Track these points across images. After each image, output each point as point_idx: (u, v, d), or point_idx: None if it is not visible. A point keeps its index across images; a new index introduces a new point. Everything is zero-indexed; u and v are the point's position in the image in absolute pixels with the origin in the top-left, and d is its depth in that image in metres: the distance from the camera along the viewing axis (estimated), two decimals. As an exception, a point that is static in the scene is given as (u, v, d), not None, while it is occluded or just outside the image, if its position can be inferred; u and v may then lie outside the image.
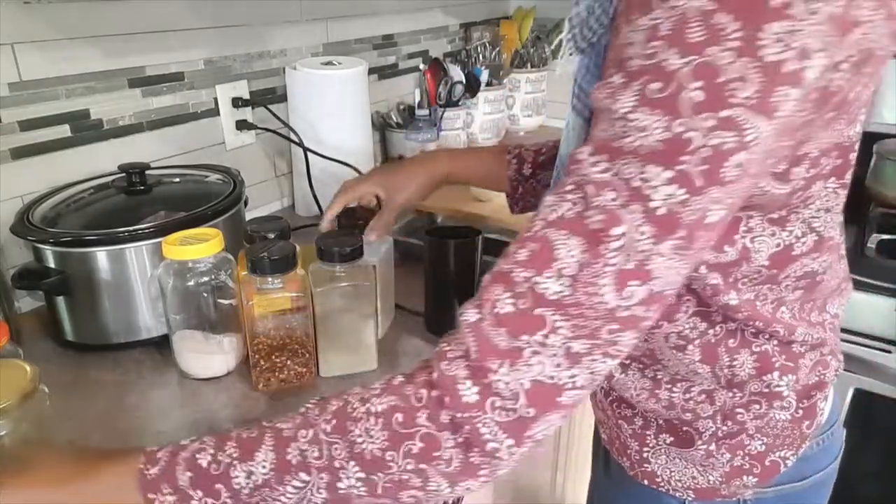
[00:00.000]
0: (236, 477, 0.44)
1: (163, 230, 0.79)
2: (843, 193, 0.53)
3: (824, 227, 0.54)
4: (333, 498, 0.44)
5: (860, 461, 1.43)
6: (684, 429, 0.63)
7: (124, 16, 0.99)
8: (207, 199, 0.88)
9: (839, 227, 0.56)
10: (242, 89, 1.21)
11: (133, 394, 0.77)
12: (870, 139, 1.46)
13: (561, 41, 1.86)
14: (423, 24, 1.66)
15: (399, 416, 0.42)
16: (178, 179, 0.98)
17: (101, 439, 0.70)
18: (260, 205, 1.31)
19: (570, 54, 0.59)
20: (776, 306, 0.56)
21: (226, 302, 0.78)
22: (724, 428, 0.61)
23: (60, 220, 0.85)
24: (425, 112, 1.51)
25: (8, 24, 0.86)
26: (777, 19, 0.35)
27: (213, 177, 0.99)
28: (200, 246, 0.74)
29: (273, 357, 0.77)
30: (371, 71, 1.44)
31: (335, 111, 1.24)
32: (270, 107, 1.23)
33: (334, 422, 0.44)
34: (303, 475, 0.44)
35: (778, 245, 0.52)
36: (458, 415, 0.41)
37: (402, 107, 1.57)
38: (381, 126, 1.55)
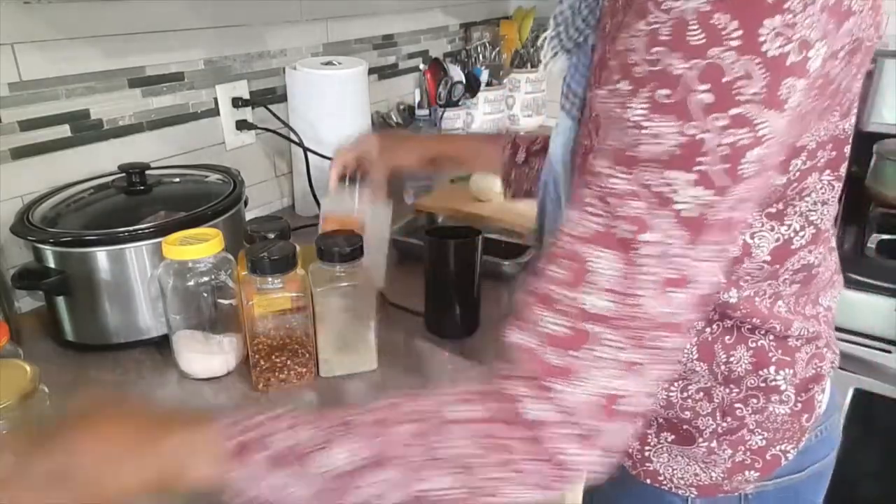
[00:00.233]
0: (320, 460, 0.45)
1: (163, 230, 0.79)
2: (839, 186, 0.53)
3: (821, 220, 0.54)
4: (411, 497, 0.45)
5: (860, 461, 1.43)
6: (684, 427, 0.63)
7: (124, 16, 0.99)
8: (207, 199, 0.88)
9: (833, 219, 0.57)
10: (242, 89, 1.21)
11: (133, 394, 0.77)
12: (870, 139, 1.46)
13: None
14: (423, 24, 1.66)
15: (478, 428, 0.43)
16: (178, 179, 0.98)
17: (101, 439, 0.70)
18: (260, 205, 1.31)
19: (555, 54, 0.60)
20: (773, 301, 0.56)
21: (226, 302, 0.78)
22: (724, 424, 0.61)
23: (60, 220, 0.85)
24: (425, 112, 1.51)
25: (8, 24, 0.87)
26: (774, 14, 0.36)
27: (213, 177, 0.99)
28: (200, 246, 0.74)
29: (273, 357, 0.77)
30: (371, 71, 1.44)
31: (335, 111, 1.24)
32: (270, 107, 1.23)
33: (417, 425, 0.44)
34: (384, 472, 0.44)
35: (777, 240, 0.53)
36: (528, 431, 0.42)
37: (402, 107, 1.57)
38: (381, 126, 1.55)
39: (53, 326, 0.86)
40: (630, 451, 0.67)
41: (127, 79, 1.03)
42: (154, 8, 1.03)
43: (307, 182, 1.20)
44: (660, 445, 0.65)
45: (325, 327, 0.77)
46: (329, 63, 1.24)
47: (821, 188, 0.52)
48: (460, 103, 1.62)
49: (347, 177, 0.86)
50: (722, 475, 0.63)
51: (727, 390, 0.60)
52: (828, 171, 0.51)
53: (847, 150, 0.52)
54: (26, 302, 0.94)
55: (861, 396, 1.32)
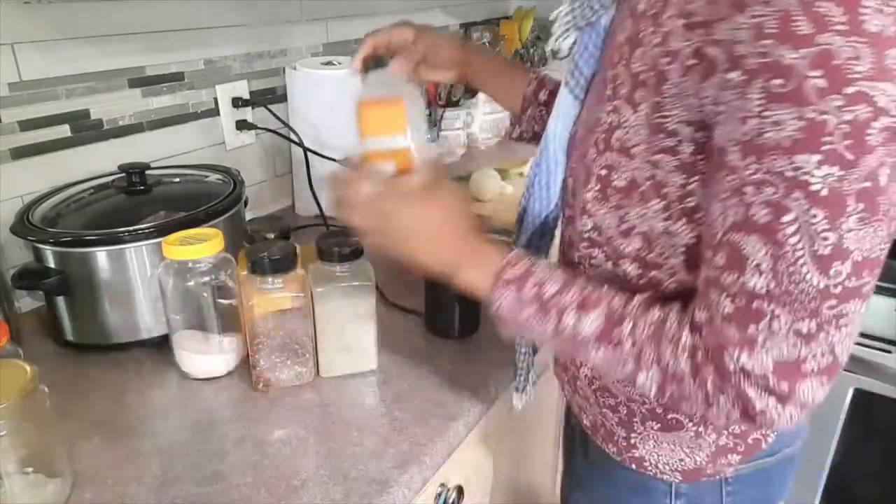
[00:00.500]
0: (566, 318, 0.54)
1: (163, 230, 0.79)
2: None
3: None
4: (630, 379, 0.53)
5: (860, 461, 1.43)
6: (670, 416, 0.64)
7: (124, 16, 0.99)
8: (207, 199, 0.88)
9: None
10: (242, 89, 1.21)
11: (133, 394, 0.78)
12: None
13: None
14: (423, 24, 1.66)
15: (699, 356, 0.49)
16: (178, 179, 0.98)
17: (101, 439, 0.70)
18: (260, 205, 1.31)
19: (567, 30, 0.61)
20: None
21: (226, 302, 0.78)
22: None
23: (60, 220, 0.85)
24: (425, 112, 1.51)
25: (8, 24, 0.87)
26: None
27: (213, 177, 0.99)
28: (200, 246, 0.74)
29: (273, 357, 0.77)
30: (371, 71, 1.44)
31: (335, 111, 1.24)
32: (270, 107, 1.23)
33: (652, 329, 0.51)
34: (616, 351, 0.52)
35: None
36: (731, 380, 0.47)
37: (402, 107, 1.56)
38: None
39: (53, 326, 0.86)
40: (615, 437, 0.68)
41: (127, 79, 1.03)
42: (154, 8, 1.03)
43: (307, 182, 1.20)
44: (646, 433, 0.66)
45: (325, 327, 0.78)
46: (329, 63, 1.24)
47: None
48: (460, 103, 1.62)
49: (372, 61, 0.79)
50: (706, 459, 0.64)
51: None
52: None
53: None
54: (26, 302, 0.94)
55: (861, 396, 1.32)
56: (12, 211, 0.86)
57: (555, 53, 0.65)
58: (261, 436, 0.71)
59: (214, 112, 1.18)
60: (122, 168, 0.90)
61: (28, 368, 0.59)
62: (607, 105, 0.54)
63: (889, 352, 1.27)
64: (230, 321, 0.80)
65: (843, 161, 0.40)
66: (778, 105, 0.40)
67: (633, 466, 0.67)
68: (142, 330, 0.85)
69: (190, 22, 1.10)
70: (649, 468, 0.67)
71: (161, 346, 0.83)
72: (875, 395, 1.30)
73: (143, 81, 1.05)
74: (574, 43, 0.62)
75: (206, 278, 0.76)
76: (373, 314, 0.79)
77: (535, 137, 0.83)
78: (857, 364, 1.27)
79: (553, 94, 0.79)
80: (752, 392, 0.47)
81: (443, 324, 0.89)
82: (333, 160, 1.20)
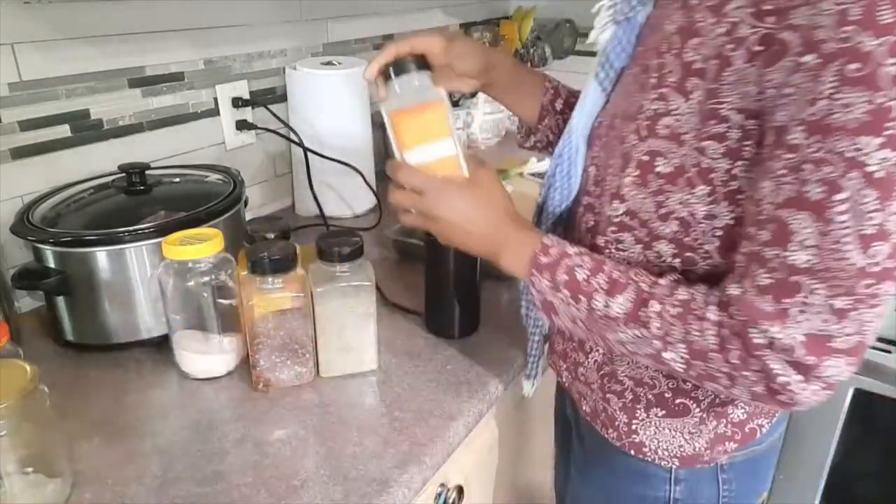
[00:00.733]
0: (597, 301, 0.58)
1: (163, 230, 0.79)
2: None
3: None
4: (657, 358, 0.56)
5: (860, 461, 1.43)
6: (678, 400, 0.65)
7: (124, 16, 0.99)
8: (207, 199, 0.88)
9: None
10: (242, 89, 1.21)
11: (133, 394, 0.78)
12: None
13: (559, 38, 1.86)
14: (423, 24, 1.66)
15: (725, 331, 0.51)
16: (178, 179, 0.98)
17: (101, 439, 0.70)
18: (260, 205, 1.31)
19: (606, 23, 0.64)
20: None
21: (226, 302, 0.78)
22: (721, 396, 0.64)
23: (60, 220, 0.85)
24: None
25: (8, 24, 0.87)
26: None
27: (213, 177, 0.99)
28: (200, 246, 0.74)
29: (273, 357, 0.77)
30: (371, 71, 1.44)
31: (335, 111, 1.24)
32: (270, 107, 1.23)
33: (680, 309, 0.53)
34: (643, 330, 0.55)
35: None
36: (755, 352, 0.49)
37: (402, 107, 1.56)
38: (381, 125, 1.55)
39: (53, 326, 0.86)
40: (616, 423, 0.69)
41: (127, 79, 1.03)
42: (154, 8, 1.03)
43: (307, 182, 1.20)
44: (648, 420, 0.67)
45: (325, 327, 0.77)
46: (329, 63, 1.24)
47: None
48: (460, 103, 1.62)
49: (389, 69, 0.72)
50: (705, 446, 0.66)
51: None
52: None
53: None
54: (26, 302, 0.94)
55: (861, 396, 1.32)
56: (12, 211, 0.86)
57: (559, 52, 0.66)
58: (261, 436, 0.71)
59: (214, 112, 1.18)
60: (122, 168, 0.90)
61: (28, 368, 0.59)
62: (651, 93, 0.56)
63: (889, 352, 1.27)
64: (230, 321, 0.80)
65: None
66: (851, 88, 0.43)
67: (632, 452, 0.69)
68: (142, 330, 0.84)
69: (190, 22, 1.09)
70: (648, 454, 0.68)
71: (161, 346, 0.83)
72: (875, 395, 1.30)
73: (143, 81, 1.05)
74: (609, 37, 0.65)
75: (206, 278, 0.76)
76: (373, 314, 0.79)
77: (549, 146, 0.84)
78: (857, 364, 1.27)
79: (568, 103, 0.81)
80: (777, 366, 0.48)
81: (443, 324, 0.89)
82: (333, 160, 1.20)
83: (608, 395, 0.69)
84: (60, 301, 0.83)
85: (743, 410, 0.65)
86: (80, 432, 0.71)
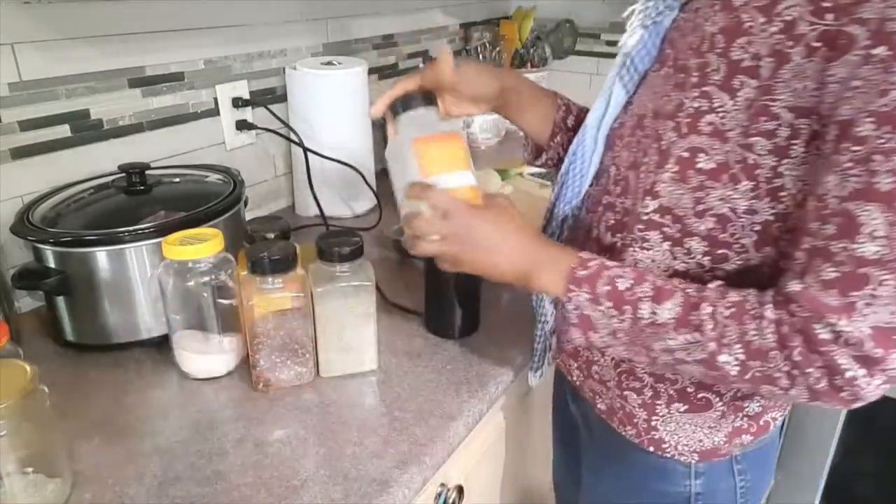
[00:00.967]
0: (642, 309, 0.57)
1: (163, 230, 0.79)
2: None
3: None
4: (709, 363, 0.55)
5: (860, 461, 1.43)
6: (701, 394, 0.66)
7: (124, 16, 0.99)
8: (207, 199, 0.88)
9: None
10: (242, 89, 1.21)
11: (133, 394, 0.78)
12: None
13: (559, 38, 1.86)
14: (423, 24, 1.66)
15: (785, 329, 0.50)
16: (178, 179, 0.98)
17: (101, 439, 0.70)
18: (260, 205, 1.31)
19: (634, 27, 0.65)
20: None
21: (226, 302, 0.78)
22: (744, 390, 0.65)
23: (60, 220, 0.85)
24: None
25: (8, 24, 0.87)
26: None
27: (213, 177, 0.99)
28: (200, 246, 0.74)
29: (273, 357, 0.77)
30: (371, 71, 1.44)
31: (335, 111, 1.24)
32: (270, 107, 1.23)
33: (733, 310, 0.53)
34: (696, 334, 0.54)
35: None
36: (820, 348, 0.49)
37: (402, 107, 1.56)
38: (382, 126, 1.55)
39: (53, 326, 0.86)
40: (635, 420, 0.69)
41: (127, 79, 1.03)
42: (154, 8, 1.03)
43: (307, 182, 1.20)
44: (669, 415, 0.67)
45: (325, 327, 0.77)
46: (329, 63, 1.24)
47: None
48: (460, 103, 1.62)
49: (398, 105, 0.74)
50: (724, 439, 0.67)
51: None
52: None
53: None
54: (26, 302, 0.94)
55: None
56: (12, 211, 0.86)
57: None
58: (261, 436, 0.71)
59: (214, 112, 1.18)
60: (122, 168, 0.90)
61: (28, 368, 0.59)
62: (692, 91, 0.57)
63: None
64: (230, 321, 0.80)
65: None
66: None
67: (651, 448, 0.69)
68: (142, 330, 0.84)
69: (190, 22, 1.09)
70: (668, 450, 0.69)
71: (161, 346, 0.83)
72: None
73: (143, 81, 1.05)
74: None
75: (206, 278, 0.76)
76: (373, 314, 0.79)
77: (560, 162, 0.83)
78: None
79: (579, 120, 0.82)
80: (842, 360, 0.48)
81: (443, 324, 0.89)
82: (333, 160, 1.20)
83: (626, 393, 0.69)
84: (60, 301, 0.83)
85: (758, 404, 0.66)
86: (80, 432, 0.71)
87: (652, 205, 0.61)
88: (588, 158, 0.70)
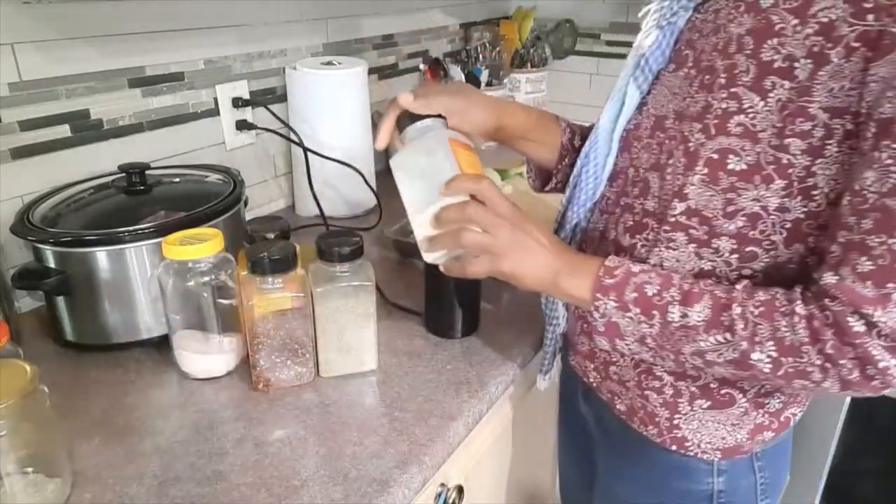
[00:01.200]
0: (672, 313, 0.57)
1: (163, 230, 0.79)
2: None
3: None
4: (741, 362, 0.56)
5: (860, 460, 1.43)
6: (724, 390, 0.66)
7: (124, 16, 0.99)
8: (207, 199, 0.88)
9: None
10: (242, 89, 1.21)
11: (133, 394, 0.78)
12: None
13: (559, 38, 1.86)
14: (423, 24, 1.66)
15: (816, 323, 0.51)
16: (178, 179, 0.98)
17: (101, 439, 0.70)
18: (260, 205, 1.31)
19: (650, 28, 0.65)
20: None
21: (226, 302, 0.78)
22: (767, 385, 0.65)
23: (60, 220, 0.85)
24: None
25: (8, 24, 0.87)
26: None
27: (213, 177, 0.99)
28: (200, 246, 0.74)
29: (273, 357, 0.77)
30: (371, 71, 1.44)
31: (335, 111, 1.24)
32: (270, 107, 1.23)
33: (763, 309, 0.54)
34: (727, 335, 0.55)
35: None
36: (854, 340, 0.50)
37: (402, 107, 1.56)
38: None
39: (53, 326, 0.86)
40: (657, 419, 0.69)
41: (127, 79, 1.03)
42: (154, 8, 1.03)
43: (307, 182, 1.20)
44: (692, 413, 0.67)
45: (325, 327, 0.77)
46: (329, 63, 1.24)
47: None
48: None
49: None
50: (746, 437, 0.67)
51: None
52: None
53: None
54: (26, 302, 0.94)
55: (861, 397, 1.32)
56: (12, 211, 0.86)
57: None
58: (261, 436, 0.71)
59: (214, 112, 1.18)
60: (122, 168, 0.90)
61: (28, 368, 0.59)
62: (720, 92, 0.57)
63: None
64: (230, 321, 0.80)
65: None
66: None
67: (674, 447, 0.69)
68: (142, 330, 0.84)
69: (190, 22, 1.09)
70: (691, 448, 0.69)
71: (161, 346, 0.83)
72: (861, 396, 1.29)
73: (143, 81, 1.05)
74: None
75: (206, 278, 0.76)
76: (373, 314, 0.79)
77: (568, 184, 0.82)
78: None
79: (583, 137, 0.80)
80: (875, 351, 0.49)
81: (443, 324, 0.89)
82: (333, 160, 1.20)
83: (647, 392, 0.69)
84: (60, 301, 0.83)
85: (779, 400, 0.67)
86: (80, 432, 0.71)
87: (680, 207, 0.61)
88: (602, 160, 0.70)
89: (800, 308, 0.52)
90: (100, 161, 1.01)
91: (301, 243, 0.78)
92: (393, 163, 0.68)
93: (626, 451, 0.76)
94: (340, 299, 0.76)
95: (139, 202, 0.88)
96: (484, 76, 1.69)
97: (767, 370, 0.55)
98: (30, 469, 0.60)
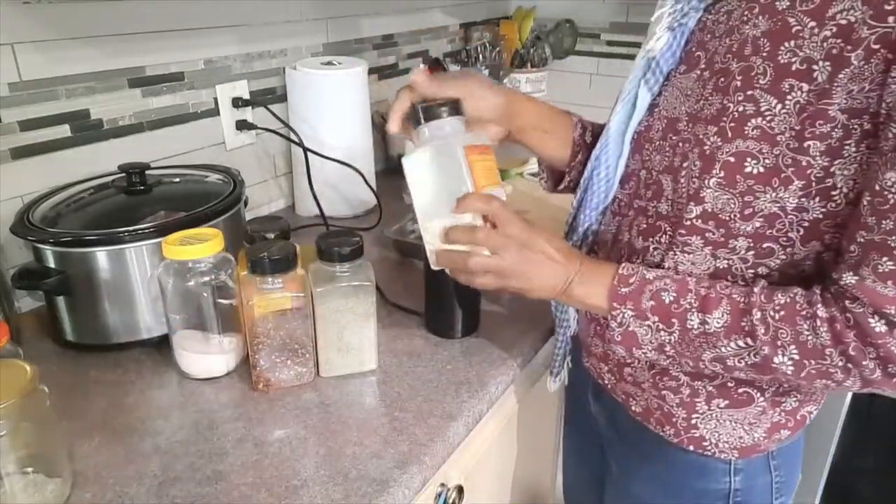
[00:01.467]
0: (691, 320, 0.58)
1: (163, 230, 0.79)
2: None
3: None
4: (763, 366, 0.56)
5: (860, 460, 1.43)
6: (742, 389, 0.66)
7: (124, 16, 0.99)
8: (207, 199, 0.88)
9: None
10: (242, 89, 1.21)
11: (133, 394, 0.78)
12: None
13: (559, 38, 1.86)
14: (423, 24, 1.66)
15: (838, 326, 0.52)
16: (178, 179, 0.98)
17: (101, 439, 0.70)
18: (260, 205, 1.31)
19: (662, 31, 0.65)
20: None
21: (226, 302, 0.78)
22: (785, 385, 0.65)
23: (60, 220, 0.85)
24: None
25: (8, 24, 0.86)
26: None
27: (213, 177, 0.99)
28: (200, 246, 0.74)
29: (273, 357, 0.77)
30: (371, 71, 1.44)
31: (335, 111, 1.24)
32: (270, 107, 1.23)
33: (783, 313, 0.54)
34: (748, 340, 0.55)
35: None
36: (877, 341, 0.50)
37: (402, 107, 1.56)
38: (381, 126, 1.55)
39: (53, 326, 0.86)
40: (673, 419, 0.69)
41: (127, 79, 1.03)
42: (154, 8, 1.03)
43: (307, 182, 1.20)
44: (710, 412, 0.67)
45: (325, 327, 0.77)
46: (329, 63, 1.24)
47: None
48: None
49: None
50: (763, 435, 0.67)
51: None
52: None
53: None
54: (26, 302, 0.94)
55: (861, 396, 1.32)
56: (12, 211, 0.86)
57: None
58: (261, 436, 0.71)
59: (214, 112, 1.18)
60: (122, 168, 0.90)
61: (28, 368, 0.59)
62: (736, 95, 0.57)
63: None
64: (230, 321, 0.80)
65: None
66: None
67: (692, 447, 0.70)
68: (142, 330, 0.84)
69: (190, 22, 1.09)
70: (708, 447, 0.69)
71: (161, 346, 0.83)
72: (875, 395, 1.30)
73: (143, 81, 1.05)
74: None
75: (206, 278, 0.76)
76: (373, 314, 0.79)
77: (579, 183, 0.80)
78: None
79: (595, 135, 0.79)
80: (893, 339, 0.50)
81: (443, 324, 0.89)
82: (333, 160, 1.20)
83: (663, 392, 0.69)
84: (60, 301, 0.83)
85: (796, 399, 0.67)
86: (80, 432, 0.71)
87: (696, 210, 0.60)
88: (614, 162, 0.70)
89: (821, 311, 0.53)
90: (100, 161, 1.00)
91: (301, 243, 0.78)
92: (406, 164, 0.66)
93: (641, 451, 0.76)
94: (340, 299, 0.76)
95: (139, 202, 0.88)
96: (484, 76, 1.69)
97: (790, 373, 0.55)
98: (30, 469, 0.60)
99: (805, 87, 0.53)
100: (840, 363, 0.52)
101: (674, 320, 0.58)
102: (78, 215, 0.87)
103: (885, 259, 0.50)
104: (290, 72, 1.23)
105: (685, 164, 0.61)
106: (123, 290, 0.82)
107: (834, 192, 0.54)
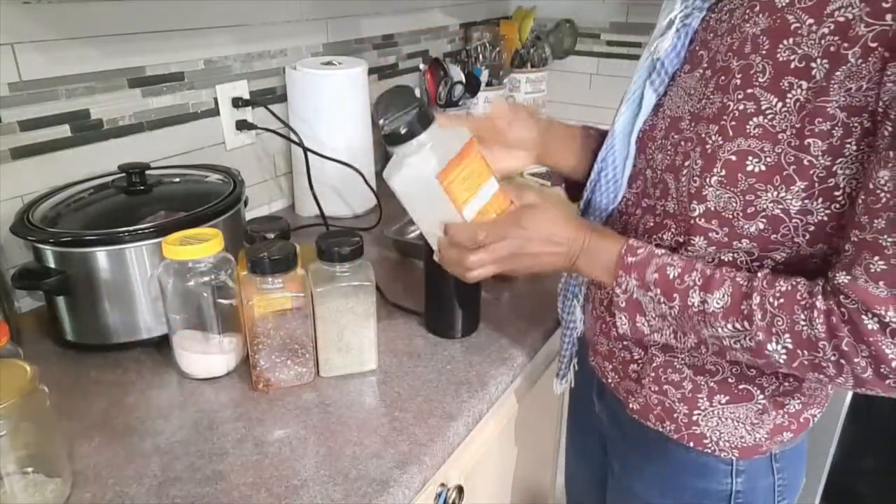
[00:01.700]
0: (692, 297, 0.58)
1: (163, 230, 0.79)
2: None
3: None
4: (756, 351, 0.56)
5: (860, 459, 1.43)
6: (742, 386, 0.66)
7: (124, 16, 0.99)
8: (207, 199, 0.88)
9: None
10: (242, 89, 1.21)
11: (133, 394, 0.78)
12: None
13: (559, 37, 1.86)
14: (423, 24, 1.66)
15: (834, 319, 0.52)
16: (178, 179, 0.98)
17: (100, 439, 0.70)
18: (260, 205, 1.31)
19: (668, 32, 0.65)
20: None
21: (226, 302, 0.78)
22: (786, 384, 0.65)
23: (60, 220, 0.85)
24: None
25: (8, 24, 0.87)
26: None
27: (213, 177, 0.99)
28: (200, 246, 0.74)
29: (273, 357, 0.77)
30: (371, 71, 1.44)
31: (335, 111, 1.24)
32: (270, 107, 1.23)
33: (783, 300, 0.54)
34: (745, 324, 0.55)
35: None
36: (868, 338, 0.50)
37: (402, 107, 1.56)
38: (381, 127, 1.55)
39: (53, 326, 0.86)
40: (675, 415, 0.69)
41: (127, 79, 1.03)
42: (154, 8, 1.03)
43: (307, 182, 1.20)
44: (711, 409, 0.67)
45: (325, 327, 0.78)
46: (329, 63, 1.24)
47: None
48: (460, 103, 1.62)
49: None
50: (765, 436, 0.67)
51: None
52: None
53: None
54: (26, 302, 0.94)
55: (861, 396, 1.32)
56: (12, 211, 0.86)
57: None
58: (261, 436, 0.71)
59: (214, 112, 1.18)
60: (122, 168, 0.90)
61: (28, 368, 0.59)
62: (736, 93, 0.57)
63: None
64: (230, 321, 0.80)
65: None
66: None
67: (692, 444, 0.69)
68: (142, 330, 0.85)
69: (190, 22, 1.09)
70: (709, 445, 0.69)
71: (161, 346, 0.83)
72: (874, 396, 1.30)
73: (143, 81, 1.05)
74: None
75: (206, 278, 0.76)
76: (373, 314, 0.79)
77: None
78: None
79: (600, 142, 0.79)
80: (889, 350, 0.49)
81: (443, 324, 0.89)
82: (333, 160, 1.20)
83: (665, 387, 0.69)
84: (60, 301, 0.83)
85: (799, 401, 0.67)
86: (80, 432, 0.71)
87: (699, 209, 0.61)
88: (621, 163, 0.70)
89: (820, 303, 0.52)
90: (100, 161, 1.01)
91: (301, 243, 0.78)
92: (388, 182, 0.65)
93: (643, 450, 0.76)
94: (340, 299, 0.76)
95: (139, 202, 0.88)
96: (484, 76, 1.69)
97: (783, 361, 0.55)
98: (30, 469, 0.60)
99: (804, 84, 0.53)
100: (833, 357, 0.52)
101: (675, 295, 0.59)
102: (78, 215, 0.87)
103: (876, 258, 0.50)
104: (290, 72, 1.23)
105: (686, 163, 0.61)
106: (123, 290, 0.82)
107: (837, 193, 0.54)
